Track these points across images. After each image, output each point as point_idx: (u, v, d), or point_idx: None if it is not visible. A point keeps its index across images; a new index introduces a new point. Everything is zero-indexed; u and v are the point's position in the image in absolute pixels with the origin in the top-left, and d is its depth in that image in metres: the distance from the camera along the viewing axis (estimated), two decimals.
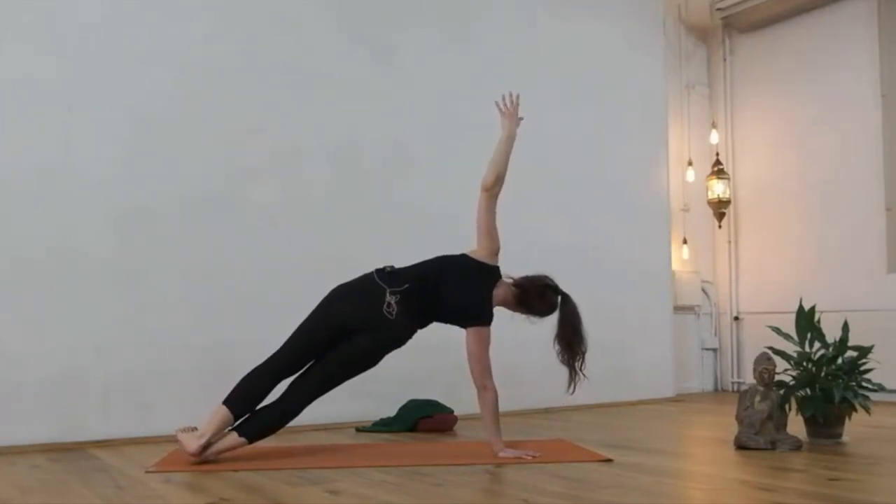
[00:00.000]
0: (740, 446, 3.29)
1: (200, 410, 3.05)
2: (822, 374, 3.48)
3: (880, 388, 3.48)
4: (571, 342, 3.14)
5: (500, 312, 3.19)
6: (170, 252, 3.80)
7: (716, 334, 6.49)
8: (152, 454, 3.17)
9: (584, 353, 3.16)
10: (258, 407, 3.02)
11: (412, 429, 3.97)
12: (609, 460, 2.97)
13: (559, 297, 3.20)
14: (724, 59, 6.56)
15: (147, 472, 2.79)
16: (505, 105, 3.25)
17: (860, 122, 5.73)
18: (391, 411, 4.09)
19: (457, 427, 4.06)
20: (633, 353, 5.48)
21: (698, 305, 6.37)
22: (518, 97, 3.26)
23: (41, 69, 3.56)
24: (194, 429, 2.91)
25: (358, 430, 4.01)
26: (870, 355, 3.49)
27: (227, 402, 2.96)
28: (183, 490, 2.51)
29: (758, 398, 3.33)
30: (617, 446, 3.34)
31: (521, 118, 3.27)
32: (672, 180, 6.06)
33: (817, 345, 3.54)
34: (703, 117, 6.57)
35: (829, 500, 2.27)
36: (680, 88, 6.44)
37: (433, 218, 4.53)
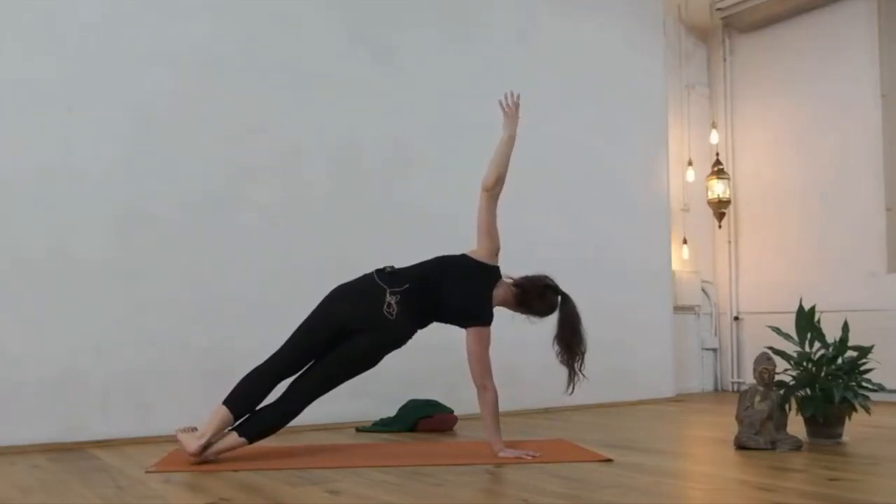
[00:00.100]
0: (740, 446, 3.29)
1: (200, 410, 3.05)
2: (822, 374, 3.48)
3: (880, 388, 3.48)
4: (571, 342, 3.14)
5: (500, 312, 3.19)
6: (170, 252, 3.80)
7: (716, 334, 6.49)
8: (152, 454, 3.17)
9: (583, 354, 3.16)
10: (258, 407, 3.02)
11: (412, 429, 3.97)
12: (609, 460, 2.97)
13: (559, 298, 3.20)
14: (724, 59, 6.56)
15: (147, 472, 2.79)
16: (507, 104, 3.25)
17: (860, 122, 5.73)
18: (391, 411, 4.09)
19: (457, 427, 4.06)
20: (633, 353, 5.48)
21: (698, 305, 6.37)
22: (519, 97, 3.26)
23: (41, 69, 3.56)
24: (194, 429, 2.91)
25: (358, 430, 4.01)
26: (870, 355, 3.49)
27: (227, 402, 2.96)
28: (183, 490, 2.51)
29: (758, 398, 3.33)
30: (617, 446, 3.34)
31: (520, 118, 3.27)
32: (672, 180, 6.06)
33: (817, 345, 3.54)
34: (703, 117, 6.57)
35: (829, 500, 2.27)
36: (680, 88, 6.44)
37: (433, 218, 4.53)
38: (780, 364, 3.51)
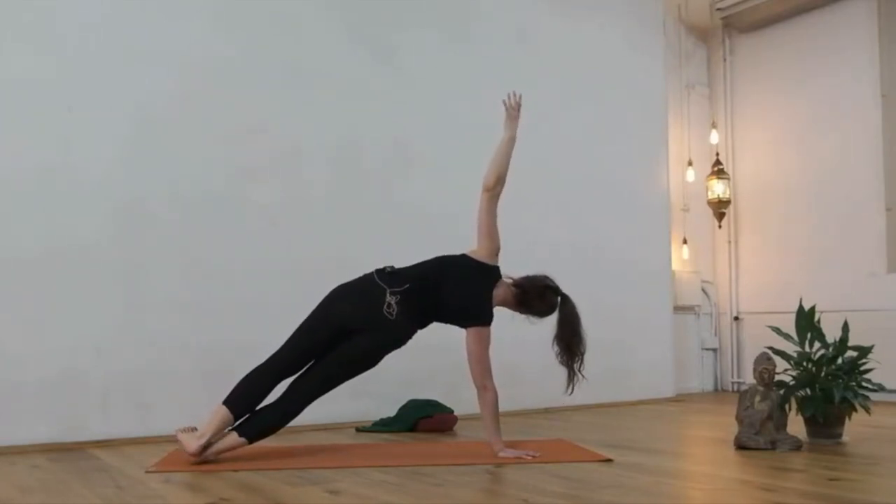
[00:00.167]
0: (740, 446, 3.29)
1: (200, 410, 3.05)
2: (822, 374, 3.48)
3: (880, 388, 3.48)
4: (570, 343, 3.14)
5: (499, 312, 3.19)
6: (170, 252, 3.80)
7: (716, 334, 6.49)
8: (152, 454, 3.17)
9: (582, 354, 3.16)
10: (258, 407, 3.02)
11: (412, 429, 3.97)
12: (609, 460, 2.97)
13: (559, 298, 3.20)
14: (724, 59, 6.56)
15: (147, 472, 2.79)
16: (510, 103, 3.24)
17: (860, 122, 5.73)
18: (391, 411, 4.09)
19: (457, 427, 4.06)
20: (633, 353, 5.48)
21: (698, 305, 6.37)
22: (521, 97, 3.26)
23: (41, 69, 3.56)
24: (194, 429, 2.91)
25: (358, 430, 4.01)
26: (870, 355, 3.49)
27: (227, 402, 2.96)
28: (183, 490, 2.51)
29: (758, 398, 3.33)
30: (617, 446, 3.34)
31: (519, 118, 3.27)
32: (672, 180, 6.06)
33: (817, 345, 3.54)
34: (703, 117, 6.57)
35: (829, 500, 2.27)
36: (680, 88, 6.44)
37: (433, 218, 4.53)
38: (780, 364, 3.51)
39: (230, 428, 2.95)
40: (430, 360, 4.14)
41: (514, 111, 3.23)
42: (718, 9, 6.40)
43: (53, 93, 3.59)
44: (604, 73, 5.56)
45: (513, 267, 3.25)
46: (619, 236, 5.49)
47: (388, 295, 3.02)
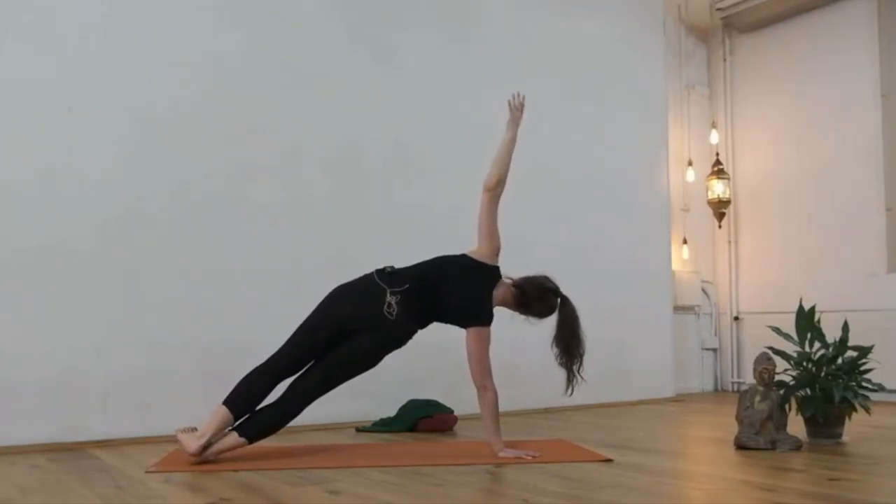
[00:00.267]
0: (740, 446, 3.29)
1: (200, 410, 3.05)
2: (822, 374, 3.48)
3: (880, 388, 3.48)
4: (570, 345, 3.15)
5: (499, 312, 3.19)
6: (170, 252, 3.80)
7: (716, 334, 6.49)
8: (152, 454, 3.17)
9: (581, 356, 3.16)
10: (258, 407, 3.02)
11: (412, 429, 3.97)
12: (609, 460, 2.97)
13: (558, 300, 3.20)
14: (724, 59, 6.57)
15: (147, 472, 2.79)
16: (514, 104, 3.24)
17: (860, 122, 5.73)
18: (391, 411, 4.09)
19: (457, 427, 4.06)
20: (633, 353, 5.48)
21: (698, 305, 6.37)
22: (524, 98, 3.26)
23: (41, 69, 3.56)
24: (194, 429, 2.91)
25: (358, 430, 4.01)
26: (870, 355, 3.49)
27: (227, 402, 2.96)
28: (183, 490, 2.51)
29: (758, 398, 3.33)
30: (617, 446, 3.34)
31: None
32: (672, 180, 6.06)
33: (817, 345, 3.54)
34: (703, 117, 6.57)
35: (829, 500, 2.27)
36: (680, 88, 6.44)
37: (433, 218, 4.53)
38: (780, 364, 3.51)
39: (230, 428, 2.95)
40: (430, 360, 4.14)
41: (517, 112, 3.23)
42: (718, 9, 6.41)
43: (53, 93, 3.59)
44: (604, 73, 5.56)
45: (513, 267, 3.25)
46: (619, 236, 5.49)
47: (388, 295, 3.02)
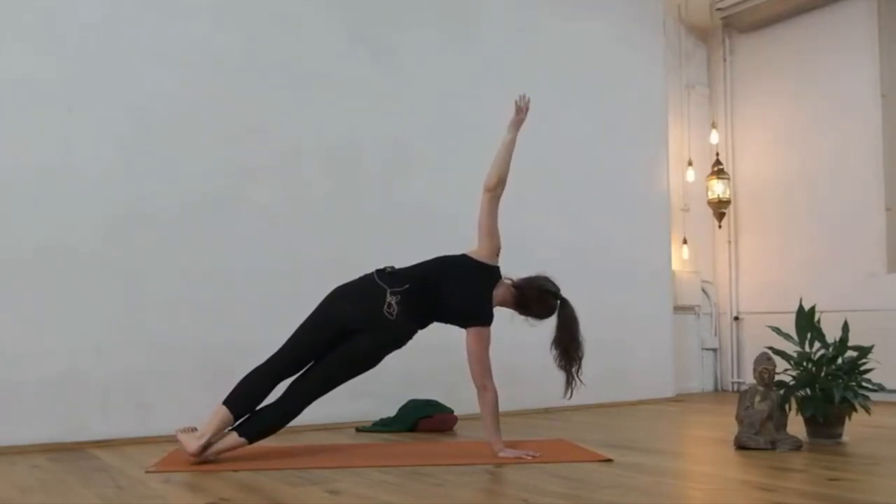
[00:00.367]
0: (740, 446, 3.29)
1: (200, 410, 3.05)
2: (822, 374, 3.48)
3: (880, 388, 3.48)
4: (568, 347, 3.15)
5: (499, 313, 3.19)
6: (170, 252, 3.80)
7: (716, 334, 6.49)
8: (152, 454, 3.17)
9: (580, 359, 3.16)
10: (258, 407, 3.02)
11: (412, 429, 3.97)
12: (609, 460, 2.97)
13: (558, 302, 3.20)
14: (724, 59, 6.56)
15: (147, 472, 2.79)
16: (520, 104, 3.24)
17: (860, 122, 5.73)
18: (391, 411, 4.09)
19: (457, 427, 4.06)
20: (633, 353, 5.48)
21: (698, 305, 6.37)
22: (529, 101, 3.26)
23: (41, 69, 3.56)
24: (194, 429, 2.91)
25: (358, 430, 4.01)
26: (870, 355, 3.49)
27: (227, 402, 2.96)
28: (183, 490, 2.51)
29: (758, 398, 3.33)
30: (617, 446, 3.34)
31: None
32: (672, 180, 6.06)
33: (817, 345, 3.54)
34: (703, 117, 6.57)
35: (829, 500, 2.27)
36: (680, 88, 6.44)
37: (433, 218, 4.53)
38: (780, 364, 3.51)
39: (230, 428, 2.95)
40: (430, 360, 4.14)
41: (522, 114, 3.23)
42: (718, 9, 6.40)
43: (53, 93, 3.59)
44: (604, 73, 5.56)
45: (513, 267, 3.25)
46: (620, 236, 5.49)
47: (388, 295, 3.02)
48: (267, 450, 3.15)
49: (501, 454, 3.01)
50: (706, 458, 3.31)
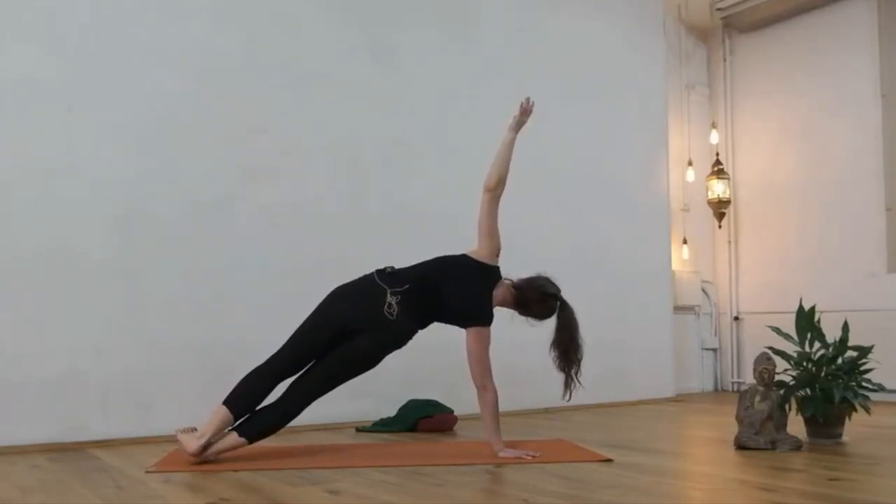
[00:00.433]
0: (740, 446, 3.29)
1: (200, 410, 3.05)
2: (822, 374, 3.48)
3: (880, 388, 3.48)
4: (567, 349, 3.15)
5: (499, 313, 3.19)
6: (170, 252, 3.80)
7: (716, 334, 6.49)
8: (152, 454, 3.17)
9: (579, 361, 3.16)
10: (258, 407, 3.02)
11: (412, 429, 3.97)
12: (609, 460, 2.97)
13: (558, 303, 3.20)
14: (724, 59, 6.56)
15: (147, 472, 2.79)
16: (525, 106, 3.23)
17: (860, 122, 5.73)
18: (391, 411, 4.09)
19: (457, 427, 4.06)
20: (633, 353, 5.48)
21: (698, 305, 6.37)
22: (534, 104, 3.25)
23: (41, 69, 3.57)
24: (194, 429, 2.91)
25: (358, 430, 4.01)
26: (870, 355, 3.49)
27: (227, 402, 2.96)
28: (183, 490, 2.51)
29: (758, 398, 3.33)
30: (617, 446, 3.35)
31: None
32: (672, 180, 6.06)
33: (817, 345, 3.54)
34: (703, 117, 6.57)
35: (829, 500, 2.27)
36: (680, 88, 6.44)
37: (433, 218, 4.53)
38: (780, 364, 3.51)
39: (230, 428, 2.95)
40: (430, 360, 4.14)
41: (525, 117, 3.23)
42: (718, 9, 6.40)
43: (54, 93, 3.59)
44: (604, 73, 5.56)
45: (513, 267, 3.25)
46: (620, 236, 5.49)
47: (388, 295, 3.02)
48: (267, 450, 3.15)
49: (501, 454, 3.01)
50: (706, 458, 3.31)
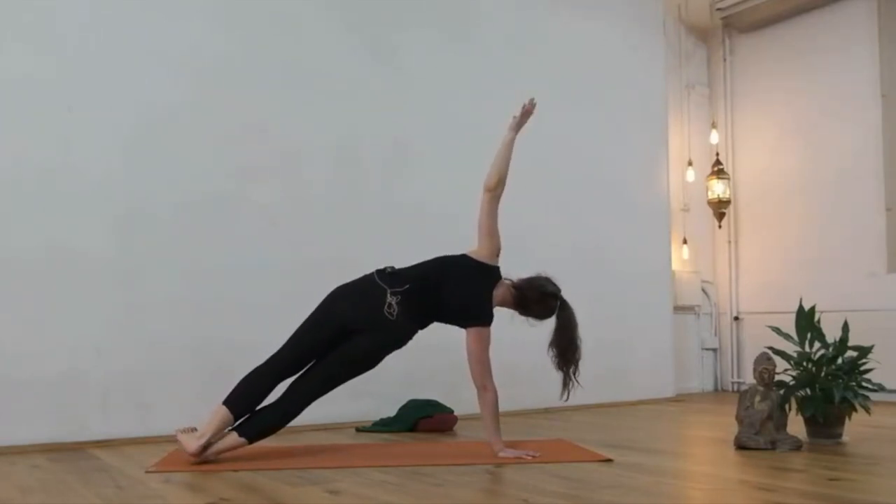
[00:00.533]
0: (740, 446, 3.29)
1: (200, 410, 3.05)
2: (822, 374, 3.48)
3: (880, 388, 3.48)
4: (566, 350, 3.15)
5: (499, 313, 3.20)
6: (170, 252, 3.80)
7: (716, 334, 6.49)
8: (152, 454, 3.17)
9: (577, 361, 3.16)
10: (258, 407, 3.02)
11: (412, 429, 3.97)
12: (609, 460, 2.97)
13: (557, 303, 3.20)
14: (724, 59, 6.56)
15: (147, 472, 2.79)
16: (527, 107, 3.23)
17: (860, 122, 5.73)
18: (391, 411, 4.09)
19: (457, 427, 4.06)
20: (633, 353, 5.48)
21: (698, 305, 6.37)
22: (535, 106, 3.25)
23: (41, 69, 3.56)
24: (194, 429, 2.91)
25: (358, 430, 4.01)
26: (870, 355, 3.49)
27: (227, 402, 2.96)
28: (183, 490, 2.51)
29: (758, 398, 3.33)
30: (617, 446, 3.34)
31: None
32: (672, 180, 6.06)
33: (817, 345, 3.54)
34: (703, 117, 6.57)
35: (829, 500, 2.27)
36: (680, 88, 6.44)
37: (433, 218, 4.53)
38: (780, 364, 3.51)
39: (230, 428, 2.95)
40: (430, 360, 4.14)
41: (526, 118, 3.23)
42: (718, 9, 6.40)
43: (53, 93, 3.59)
44: (604, 73, 5.56)
45: (513, 267, 3.25)
46: (620, 236, 5.49)
47: (388, 295, 3.02)
48: (267, 450, 3.15)
49: (501, 454, 3.01)
50: (706, 458, 3.31)
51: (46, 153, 3.55)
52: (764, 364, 3.39)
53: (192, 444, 2.86)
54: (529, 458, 2.98)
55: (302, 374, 3.08)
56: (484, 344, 3.06)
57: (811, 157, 5.99)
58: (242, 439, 2.95)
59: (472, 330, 3.07)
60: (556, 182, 5.16)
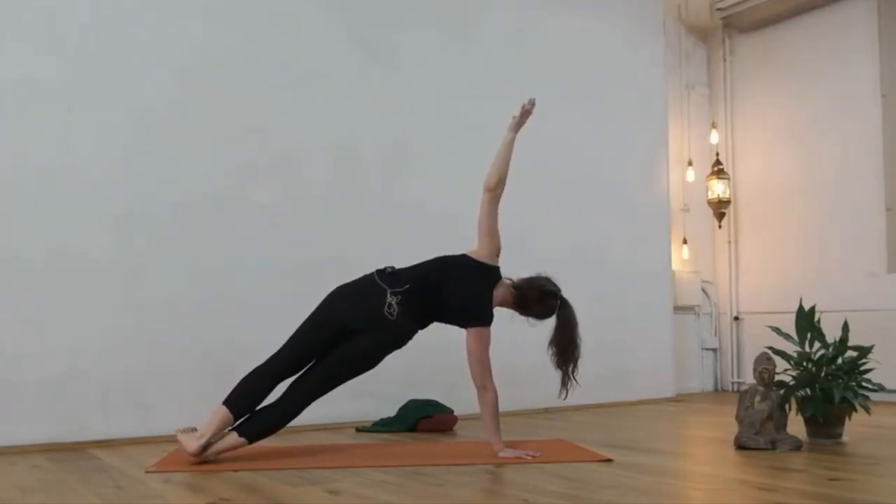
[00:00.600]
0: (740, 446, 3.29)
1: (200, 410, 3.05)
2: (822, 374, 3.48)
3: (880, 388, 3.48)
4: (566, 349, 3.15)
5: (499, 313, 3.20)
6: (170, 252, 3.80)
7: (716, 334, 6.49)
8: (152, 454, 3.17)
9: (576, 360, 3.16)
10: (258, 407, 3.02)
11: (412, 429, 3.97)
12: (609, 460, 2.97)
13: (558, 302, 3.20)
14: (724, 59, 6.56)
15: (147, 472, 2.79)
16: (527, 107, 3.23)
17: (860, 122, 5.73)
18: (391, 411, 4.09)
19: (457, 427, 4.06)
20: (633, 353, 5.48)
21: (698, 305, 6.37)
22: (535, 106, 3.25)
23: (41, 69, 3.57)
24: (194, 429, 2.91)
25: (358, 430, 4.01)
26: (870, 355, 3.49)
27: (227, 402, 2.96)
28: (183, 490, 2.51)
29: (758, 398, 3.33)
30: (617, 446, 3.34)
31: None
32: (672, 180, 6.06)
33: (817, 345, 3.54)
34: (703, 117, 6.57)
35: (829, 500, 2.27)
36: (680, 88, 6.44)
37: (433, 218, 4.53)
38: (780, 364, 3.51)
39: (230, 428, 2.95)
40: (430, 360, 4.14)
41: (525, 118, 3.23)
42: (718, 9, 6.40)
43: (53, 93, 3.59)
44: (604, 73, 5.56)
45: (513, 267, 3.25)
46: (620, 236, 5.49)
47: (388, 295, 3.02)
48: (267, 450, 3.15)
49: (501, 454, 3.01)
50: (706, 458, 3.31)
51: (46, 153, 3.55)
52: (764, 364, 3.39)
53: (192, 444, 2.86)
54: (529, 458, 2.98)
55: (302, 374, 3.08)
56: (484, 344, 3.06)
57: (811, 157, 5.99)
58: (242, 439, 2.95)
59: (473, 330, 3.07)
60: (556, 182, 5.16)
